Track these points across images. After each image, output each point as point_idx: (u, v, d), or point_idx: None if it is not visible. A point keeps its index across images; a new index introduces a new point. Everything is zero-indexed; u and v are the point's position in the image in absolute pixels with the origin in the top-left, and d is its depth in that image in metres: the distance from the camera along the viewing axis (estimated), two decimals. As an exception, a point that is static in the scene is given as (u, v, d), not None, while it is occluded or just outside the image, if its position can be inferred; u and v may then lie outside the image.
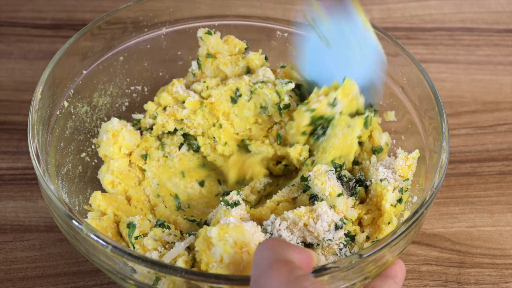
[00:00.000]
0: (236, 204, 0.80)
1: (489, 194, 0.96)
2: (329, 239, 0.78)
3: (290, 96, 0.91)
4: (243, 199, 0.84)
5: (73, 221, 0.72)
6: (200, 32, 0.93)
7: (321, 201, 0.81)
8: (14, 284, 0.85)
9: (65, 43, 0.87)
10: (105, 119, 0.93)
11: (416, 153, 0.83)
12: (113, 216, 0.84)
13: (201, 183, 0.92)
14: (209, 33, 0.92)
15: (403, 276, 0.69)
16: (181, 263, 0.75)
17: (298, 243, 0.78)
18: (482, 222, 0.93)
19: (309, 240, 0.79)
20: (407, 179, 0.82)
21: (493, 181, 0.97)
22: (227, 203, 0.80)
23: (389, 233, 0.73)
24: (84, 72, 0.90)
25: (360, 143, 0.88)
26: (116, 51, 0.93)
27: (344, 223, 0.79)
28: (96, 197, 0.85)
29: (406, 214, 0.82)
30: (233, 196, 0.81)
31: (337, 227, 0.78)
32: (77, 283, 0.85)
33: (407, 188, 0.81)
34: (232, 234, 0.72)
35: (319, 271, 0.68)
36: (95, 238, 0.71)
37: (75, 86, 0.89)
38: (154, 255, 0.76)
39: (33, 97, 0.82)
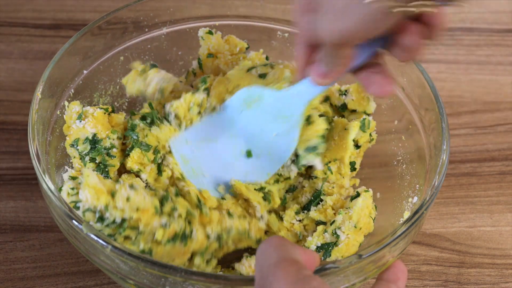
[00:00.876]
0: None
1: (489, 194, 0.96)
2: None
3: (290, 96, 0.91)
4: None
5: (73, 221, 0.72)
6: (201, 32, 0.93)
7: None
8: (14, 284, 0.85)
9: (65, 43, 0.87)
10: (105, 119, 0.93)
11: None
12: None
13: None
14: (210, 32, 0.92)
15: (404, 280, 0.67)
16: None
17: None
18: (482, 222, 0.93)
19: None
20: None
21: (493, 181, 0.97)
22: None
23: (389, 233, 0.73)
24: (85, 72, 0.90)
25: (358, 147, 0.87)
26: (116, 51, 0.93)
27: None
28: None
29: (406, 215, 0.82)
30: None
31: None
32: (77, 283, 0.85)
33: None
34: None
35: (318, 271, 0.68)
36: (95, 238, 0.71)
37: (76, 86, 0.89)
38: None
39: (33, 97, 0.82)
